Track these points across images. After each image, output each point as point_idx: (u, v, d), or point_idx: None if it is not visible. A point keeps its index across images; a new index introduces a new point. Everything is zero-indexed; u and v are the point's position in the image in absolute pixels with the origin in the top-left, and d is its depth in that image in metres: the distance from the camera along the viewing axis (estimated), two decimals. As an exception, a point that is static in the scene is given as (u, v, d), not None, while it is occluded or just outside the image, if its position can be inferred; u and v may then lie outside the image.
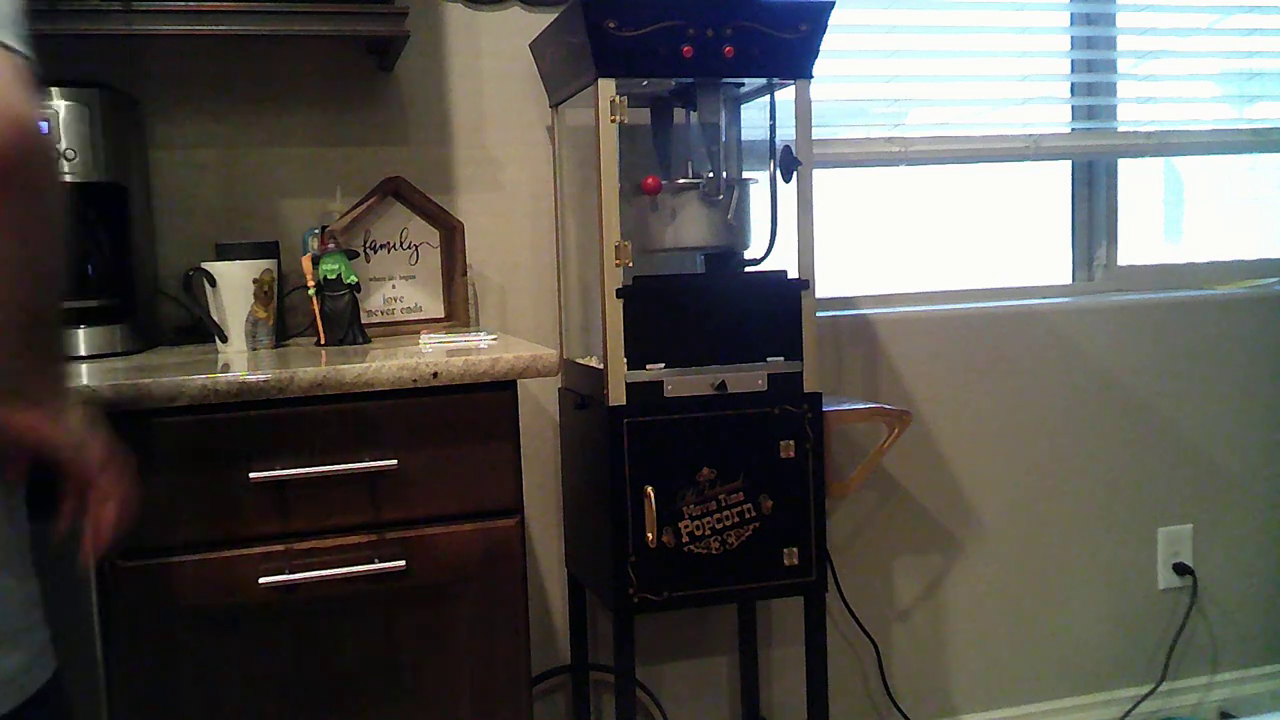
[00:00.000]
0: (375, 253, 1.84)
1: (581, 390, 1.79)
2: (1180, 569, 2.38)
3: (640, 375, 1.64)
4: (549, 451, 2.05)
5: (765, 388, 1.68)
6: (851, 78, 2.19)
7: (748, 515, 1.68)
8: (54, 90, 1.55)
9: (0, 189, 0.79)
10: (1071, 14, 2.37)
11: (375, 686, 1.39)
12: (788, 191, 1.72)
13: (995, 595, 2.31)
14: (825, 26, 1.67)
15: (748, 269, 1.78)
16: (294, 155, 1.89)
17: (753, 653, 2.10)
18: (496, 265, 2.00)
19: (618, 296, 1.62)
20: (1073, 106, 2.39)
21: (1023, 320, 2.27)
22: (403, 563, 1.36)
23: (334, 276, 1.65)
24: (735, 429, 1.67)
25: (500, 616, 1.42)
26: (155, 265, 1.81)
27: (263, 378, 1.30)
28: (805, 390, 1.69)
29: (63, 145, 1.54)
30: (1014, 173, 2.40)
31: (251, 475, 1.31)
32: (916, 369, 2.22)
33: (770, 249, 1.76)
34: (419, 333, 1.78)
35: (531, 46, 1.91)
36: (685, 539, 1.66)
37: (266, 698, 1.35)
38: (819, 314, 1.72)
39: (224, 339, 1.64)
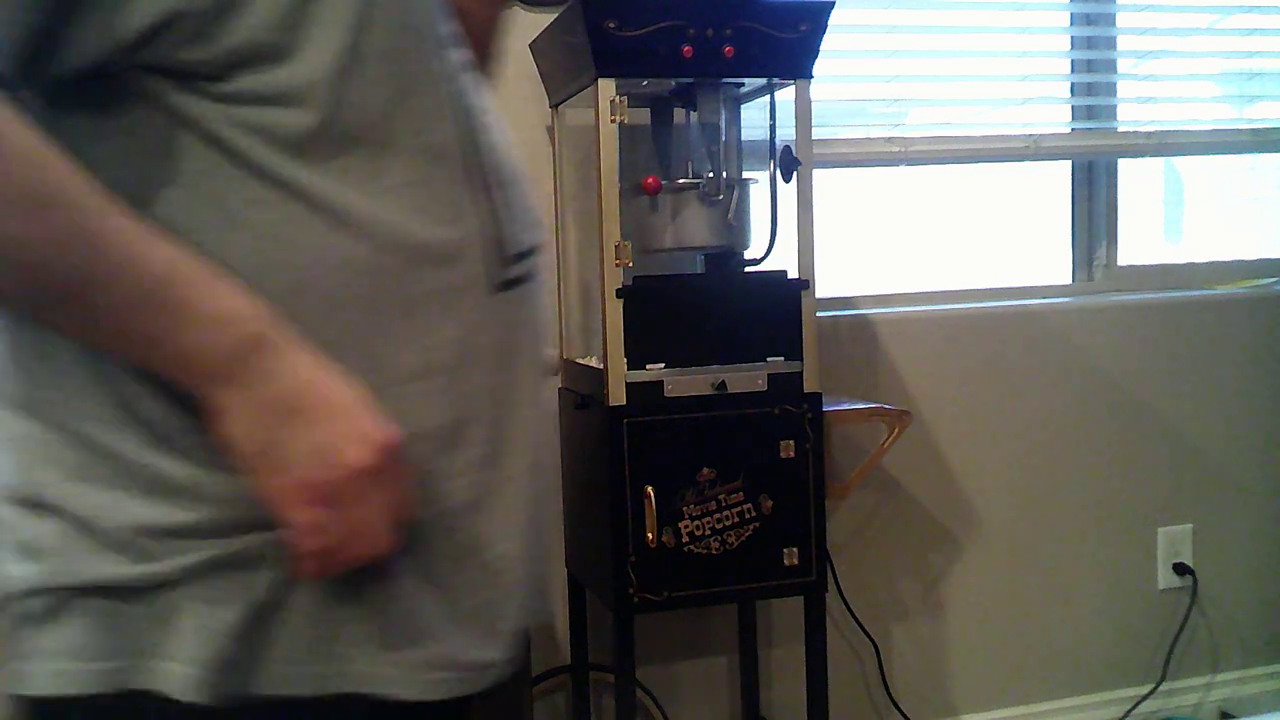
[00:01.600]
0: (375, 253, 1.84)
1: (581, 390, 1.79)
2: (1180, 569, 2.38)
3: (640, 375, 1.64)
4: (549, 451, 2.04)
5: (765, 388, 1.68)
6: (851, 78, 2.19)
7: (748, 515, 1.68)
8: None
9: None
10: (1071, 14, 2.37)
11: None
12: (788, 191, 1.72)
13: (995, 595, 2.31)
14: (825, 26, 1.67)
15: (748, 269, 1.78)
16: (294, 155, 1.88)
17: (753, 653, 2.10)
18: (496, 265, 1.99)
19: (618, 296, 1.62)
20: (1073, 106, 2.39)
21: (1023, 320, 2.27)
22: None
23: (334, 276, 1.65)
24: (735, 429, 1.67)
25: (500, 616, 1.41)
26: (155, 265, 1.81)
27: (263, 378, 1.30)
28: (805, 390, 1.69)
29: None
30: (1014, 173, 2.40)
31: (251, 475, 1.31)
32: (916, 369, 2.22)
33: (770, 249, 1.76)
34: (419, 333, 1.77)
35: (531, 46, 1.91)
36: (685, 539, 1.66)
37: (266, 698, 1.35)
38: (819, 314, 1.72)
39: (224, 339, 1.64)
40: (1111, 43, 2.39)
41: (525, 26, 1.94)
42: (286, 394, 0.66)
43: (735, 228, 1.73)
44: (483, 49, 0.95)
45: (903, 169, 2.26)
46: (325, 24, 0.67)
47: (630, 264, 1.62)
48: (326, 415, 0.67)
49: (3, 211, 0.60)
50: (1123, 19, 2.38)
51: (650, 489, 1.63)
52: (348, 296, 0.69)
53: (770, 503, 1.69)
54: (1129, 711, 2.36)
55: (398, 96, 0.71)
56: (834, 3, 1.66)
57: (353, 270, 0.69)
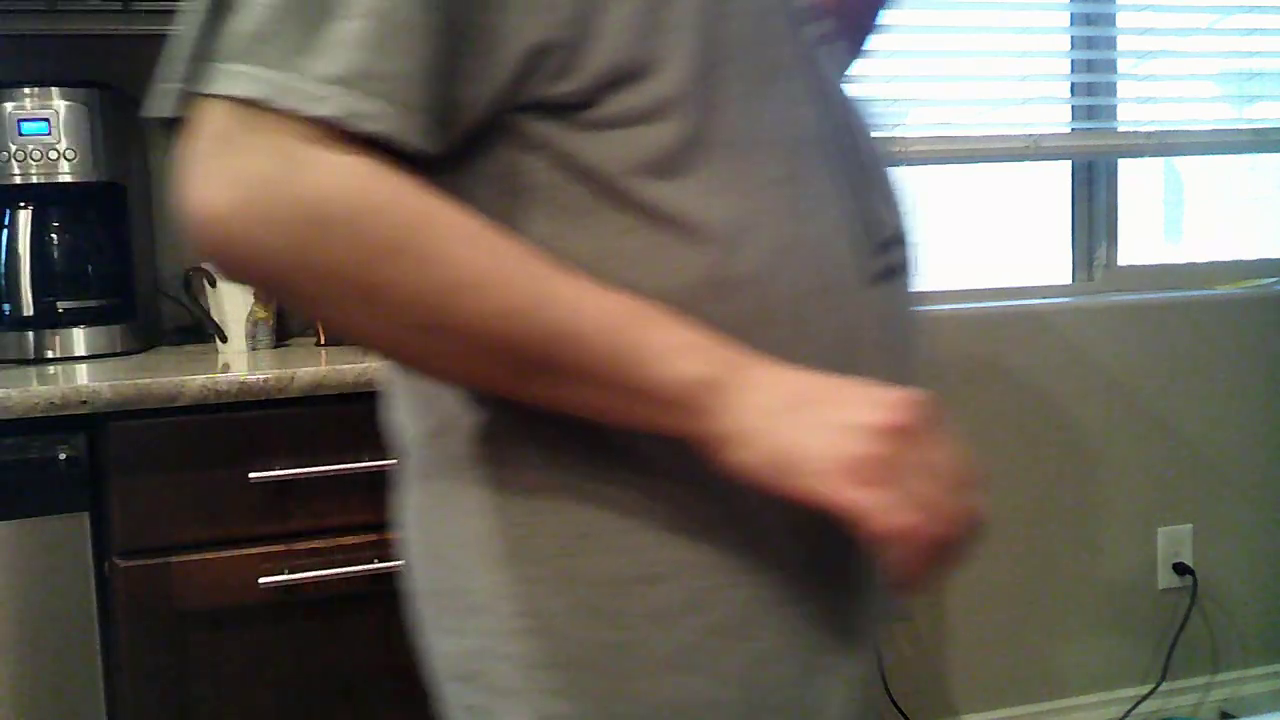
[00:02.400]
0: (375, 253, 1.84)
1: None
2: (1180, 569, 2.38)
3: (640, 375, 1.63)
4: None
5: (765, 388, 1.67)
6: (851, 78, 2.19)
7: (748, 515, 1.68)
8: (54, 90, 1.55)
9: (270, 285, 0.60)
10: (1071, 14, 2.37)
11: (375, 687, 1.39)
12: (788, 191, 1.71)
13: (995, 595, 2.31)
14: (825, 26, 1.66)
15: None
16: (294, 155, 1.89)
17: (753, 653, 2.09)
18: (496, 265, 2.00)
19: (618, 296, 1.62)
20: (1073, 106, 2.39)
21: (1023, 320, 2.27)
22: (403, 563, 1.36)
23: (334, 276, 1.65)
24: (735, 429, 1.66)
25: (500, 616, 1.42)
26: (155, 265, 1.81)
27: (263, 378, 1.30)
28: (805, 390, 1.69)
29: (63, 145, 1.54)
30: (1014, 173, 2.40)
31: (251, 475, 1.31)
32: (916, 369, 2.21)
33: (770, 249, 1.76)
34: (419, 333, 1.77)
35: (531, 46, 1.90)
36: (685, 539, 1.65)
37: (266, 697, 1.35)
38: (819, 314, 1.72)
39: (224, 339, 1.64)
40: (1111, 43, 2.39)
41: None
42: (785, 393, 0.61)
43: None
44: (861, 21, 0.90)
45: (903, 169, 2.25)
46: (679, 28, 0.63)
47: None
48: (832, 396, 0.62)
49: (457, 293, 0.58)
50: (1123, 19, 2.37)
51: (650, 489, 1.63)
52: (723, 312, 0.65)
53: (770, 503, 1.68)
54: (1129, 711, 2.36)
55: (758, 88, 0.66)
56: (834, 3, 1.66)
57: (727, 286, 0.65)
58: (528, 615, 0.67)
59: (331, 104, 0.56)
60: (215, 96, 0.57)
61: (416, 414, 0.72)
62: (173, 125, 0.61)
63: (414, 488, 0.74)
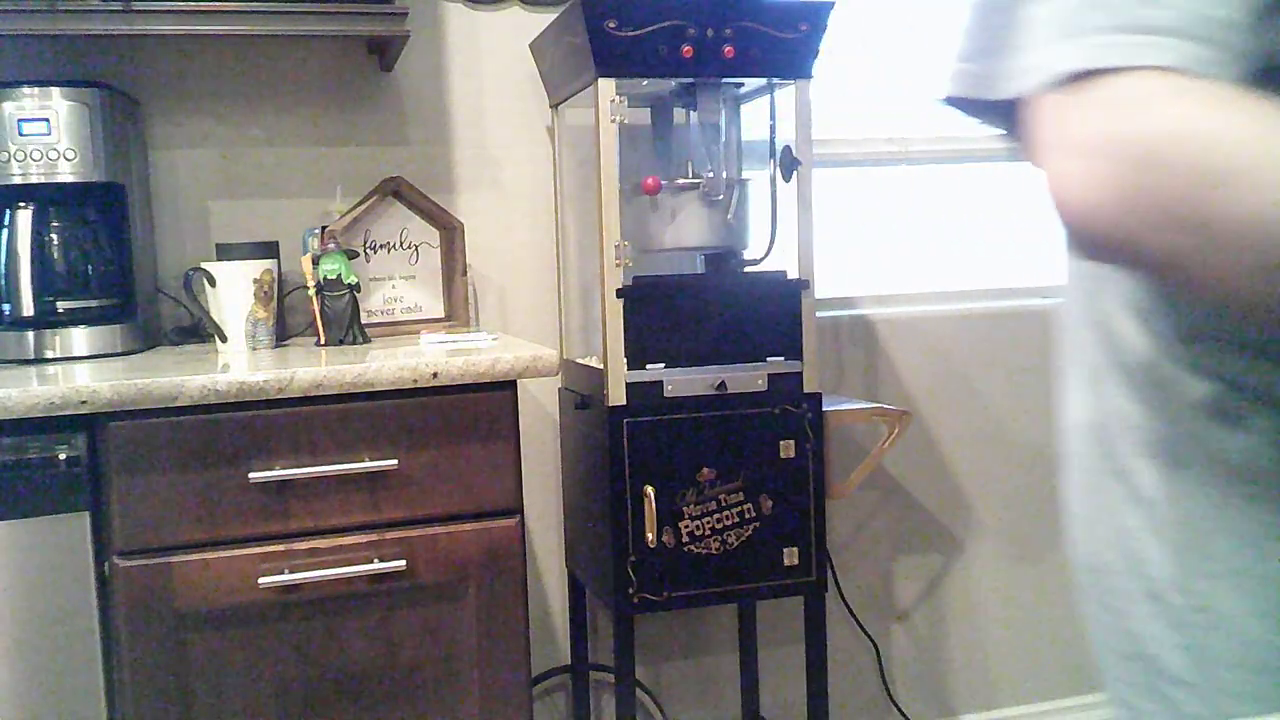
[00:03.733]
0: (375, 253, 1.84)
1: (581, 390, 1.79)
2: (1180, 569, 2.38)
3: (640, 375, 1.63)
4: (549, 451, 2.05)
5: (765, 388, 1.68)
6: (852, 78, 2.19)
7: (748, 515, 1.68)
8: (54, 90, 1.55)
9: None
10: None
11: (375, 687, 1.39)
12: (788, 191, 1.72)
13: (995, 595, 2.31)
14: (825, 26, 1.67)
15: (748, 269, 1.78)
16: (294, 155, 1.89)
17: (753, 653, 2.10)
18: (496, 265, 2.00)
19: (618, 296, 1.62)
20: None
21: (1023, 320, 2.27)
22: (403, 563, 1.36)
23: (334, 276, 1.65)
24: (735, 429, 1.67)
25: (500, 616, 1.42)
26: (155, 265, 1.81)
27: (263, 378, 1.31)
28: (805, 390, 1.69)
29: (63, 145, 1.55)
30: (1014, 172, 2.39)
31: (251, 475, 1.31)
32: (916, 369, 2.22)
33: (770, 249, 1.76)
34: (419, 333, 1.78)
35: (531, 46, 1.91)
36: (685, 539, 1.66)
37: (266, 697, 1.35)
38: (819, 314, 1.72)
39: (224, 339, 1.64)
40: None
41: (525, 26, 1.94)
42: None
43: (735, 228, 1.73)
44: None
45: (903, 169, 2.26)
46: None
47: (630, 264, 1.62)
48: None
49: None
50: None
51: (650, 489, 1.63)
52: None
53: (770, 503, 1.69)
54: (1129, 711, 2.36)
55: None
56: (834, 3, 1.66)
57: None
58: (1205, 611, 0.65)
59: (1165, 53, 0.51)
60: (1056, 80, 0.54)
61: (1085, 386, 0.71)
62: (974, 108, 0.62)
63: (1083, 461, 0.74)
